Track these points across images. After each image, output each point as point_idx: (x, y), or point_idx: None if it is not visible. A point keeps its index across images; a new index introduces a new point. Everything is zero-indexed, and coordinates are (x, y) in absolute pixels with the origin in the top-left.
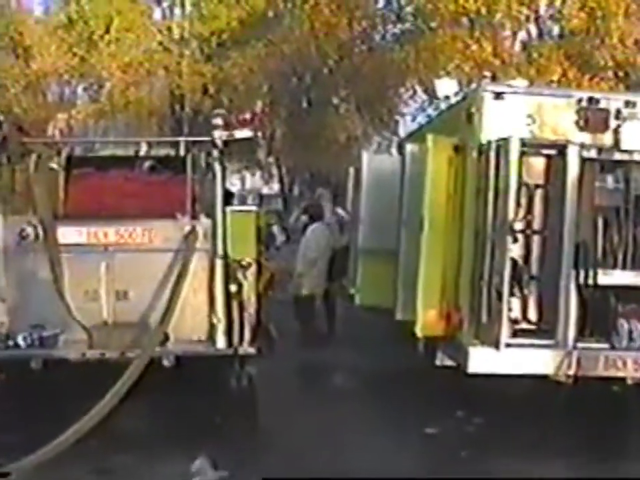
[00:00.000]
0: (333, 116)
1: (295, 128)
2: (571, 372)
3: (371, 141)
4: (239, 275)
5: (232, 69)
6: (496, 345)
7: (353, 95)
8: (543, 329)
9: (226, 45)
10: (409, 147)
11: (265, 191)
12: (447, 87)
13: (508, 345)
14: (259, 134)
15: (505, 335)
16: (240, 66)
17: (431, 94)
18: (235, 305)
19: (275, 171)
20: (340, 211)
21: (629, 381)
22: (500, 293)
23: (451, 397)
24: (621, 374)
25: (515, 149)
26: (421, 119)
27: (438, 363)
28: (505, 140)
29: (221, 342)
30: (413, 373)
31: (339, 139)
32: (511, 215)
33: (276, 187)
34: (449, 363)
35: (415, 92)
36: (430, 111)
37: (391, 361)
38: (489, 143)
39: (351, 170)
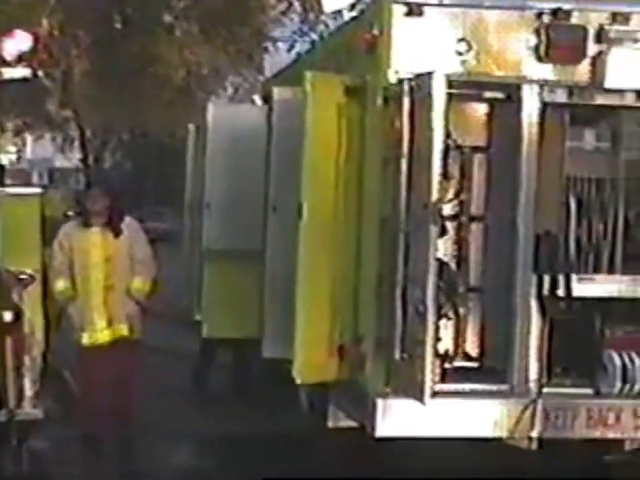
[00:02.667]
0: (164, 43)
1: (105, 63)
2: (535, 433)
3: (224, 82)
4: (15, 296)
5: None
6: (418, 395)
7: (195, 11)
8: (490, 368)
9: None
10: (278, 92)
11: (59, 163)
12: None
13: (435, 394)
14: (43, 72)
15: (430, 379)
16: None
17: (314, 9)
18: (8, 343)
19: (74, 131)
20: None
21: (627, 446)
22: (422, 313)
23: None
24: (612, 434)
25: (439, 91)
26: (301, 47)
27: (331, 423)
28: (425, 77)
29: None
30: (294, 440)
31: (175, 79)
32: (435, 194)
33: (77, 156)
34: (347, 423)
35: (290, 5)
36: (314, 35)
37: (259, 423)
38: (401, 82)
39: (191, 128)
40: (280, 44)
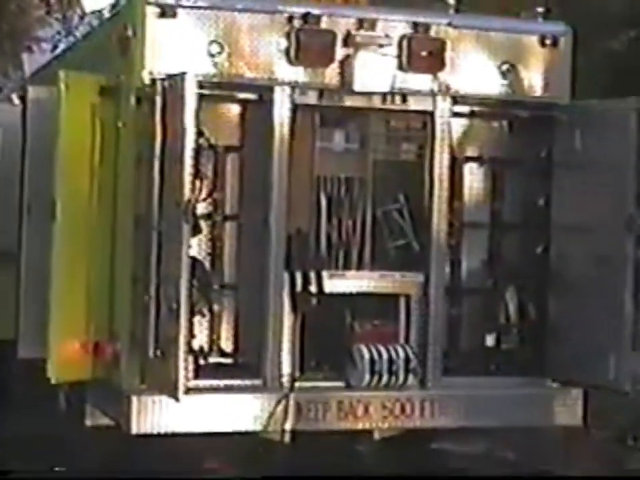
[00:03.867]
0: None
1: None
2: (288, 426)
3: None
4: None
5: None
6: (172, 391)
7: None
8: (244, 363)
9: None
10: (33, 91)
11: None
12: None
13: (189, 390)
14: None
15: (184, 375)
16: None
17: (75, 10)
18: None
19: None
20: None
21: (376, 436)
22: (175, 310)
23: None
24: (362, 425)
25: (190, 92)
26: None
27: (89, 422)
28: (177, 78)
29: None
30: (51, 441)
31: None
32: (187, 193)
33: None
34: (104, 421)
35: (48, 6)
36: (78, 35)
37: (17, 424)
38: (154, 83)
39: None
40: (44, 44)
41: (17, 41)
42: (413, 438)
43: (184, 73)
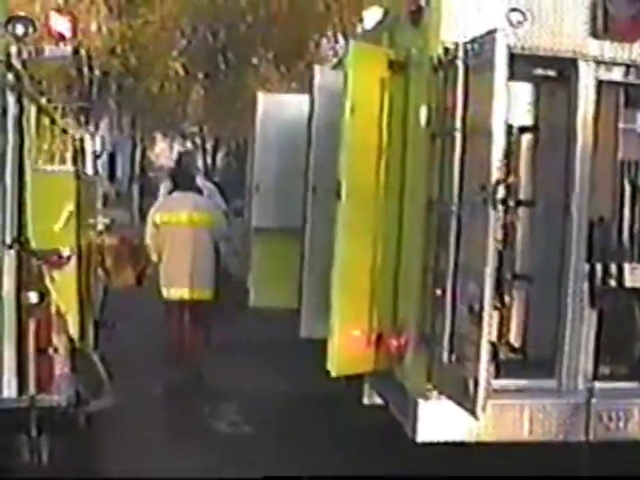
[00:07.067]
0: (252, 77)
1: (213, 90)
2: (590, 437)
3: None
4: (46, 277)
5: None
6: (470, 406)
7: (271, 50)
8: (534, 360)
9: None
10: (319, 75)
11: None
12: (375, 15)
13: (494, 391)
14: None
15: (484, 389)
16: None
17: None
18: (31, 325)
19: (198, 140)
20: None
21: None
22: (477, 311)
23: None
24: None
25: (501, 54)
26: None
27: (365, 400)
28: (485, 40)
29: (8, 387)
30: (326, 413)
31: None
32: (495, 174)
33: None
34: (380, 401)
35: (336, 40)
36: None
37: (294, 387)
38: (448, 51)
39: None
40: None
41: (307, 69)
42: None
43: (495, 33)
